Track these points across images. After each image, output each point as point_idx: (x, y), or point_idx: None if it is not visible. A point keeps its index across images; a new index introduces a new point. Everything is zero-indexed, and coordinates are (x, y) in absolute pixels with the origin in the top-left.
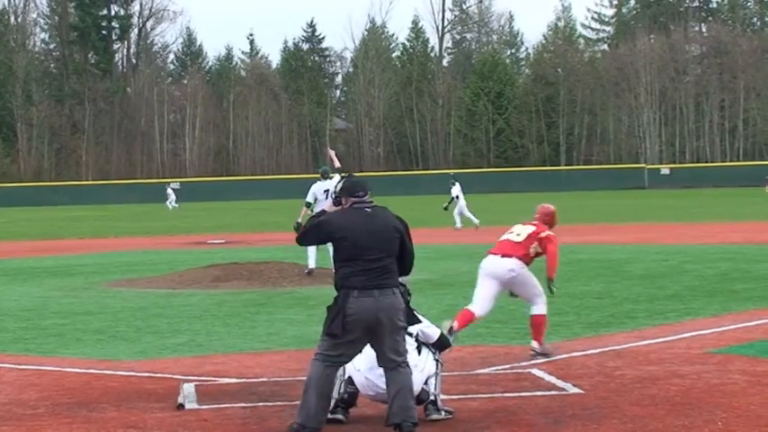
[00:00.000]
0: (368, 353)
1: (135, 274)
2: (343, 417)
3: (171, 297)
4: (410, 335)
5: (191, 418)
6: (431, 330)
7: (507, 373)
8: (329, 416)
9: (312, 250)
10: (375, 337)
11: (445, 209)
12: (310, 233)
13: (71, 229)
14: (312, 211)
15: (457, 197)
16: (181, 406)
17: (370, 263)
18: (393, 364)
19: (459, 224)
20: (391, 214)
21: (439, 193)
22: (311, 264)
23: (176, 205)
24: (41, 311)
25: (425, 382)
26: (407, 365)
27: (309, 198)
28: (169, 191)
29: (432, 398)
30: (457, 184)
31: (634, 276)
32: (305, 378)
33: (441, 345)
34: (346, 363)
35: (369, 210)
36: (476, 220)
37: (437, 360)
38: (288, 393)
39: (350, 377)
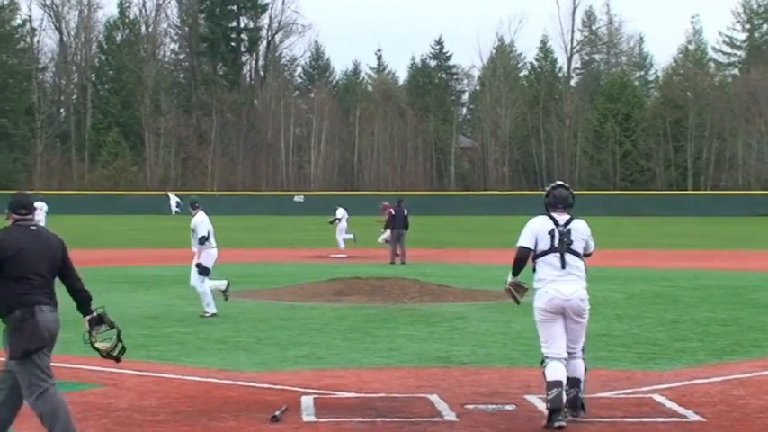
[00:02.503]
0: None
1: (257, 285)
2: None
3: (292, 309)
4: (577, 255)
5: (308, 431)
6: (592, 243)
7: (628, 397)
8: (555, 425)
9: (206, 287)
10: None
11: (330, 223)
12: None
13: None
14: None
15: (339, 219)
16: (274, 418)
17: (40, 280)
18: (49, 384)
19: (347, 241)
20: (53, 234)
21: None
22: (212, 308)
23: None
24: (164, 319)
25: (581, 391)
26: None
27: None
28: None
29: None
30: (341, 207)
31: (761, 304)
32: (422, 395)
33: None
34: None
35: (34, 228)
36: (343, 244)
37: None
38: (406, 410)
39: (551, 382)
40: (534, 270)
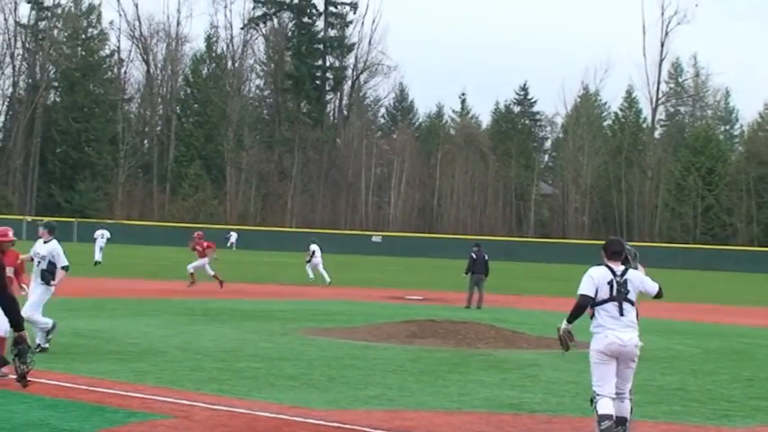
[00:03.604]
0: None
1: (331, 323)
2: None
3: (366, 349)
4: (632, 303)
5: None
6: (651, 285)
7: None
8: None
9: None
10: None
11: (308, 261)
12: None
13: (272, 274)
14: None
15: (314, 253)
16: None
17: None
18: None
19: (311, 275)
20: None
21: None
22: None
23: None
24: (237, 353)
25: (627, 429)
26: None
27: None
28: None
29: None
30: (315, 243)
31: None
32: None
33: (659, 295)
34: None
35: None
36: (327, 279)
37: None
38: None
39: (603, 415)
40: (592, 317)
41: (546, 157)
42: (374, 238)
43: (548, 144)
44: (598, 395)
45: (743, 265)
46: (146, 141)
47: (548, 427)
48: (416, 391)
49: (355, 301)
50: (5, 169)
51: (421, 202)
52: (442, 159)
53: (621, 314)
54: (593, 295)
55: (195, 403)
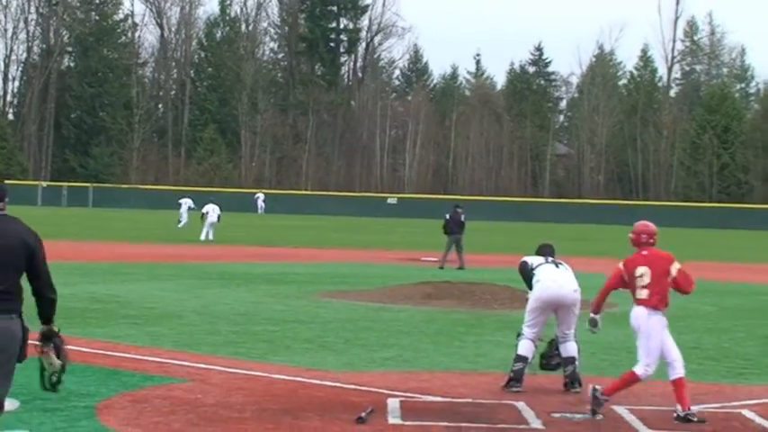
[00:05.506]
0: None
1: (347, 285)
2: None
3: (381, 311)
4: (564, 265)
5: None
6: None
7: (717, 411)
8: (513, 390)
9: None
10: None
11: (201, 218)
12: None
13: (287, 237)
14: None
15: (207, 213)
16: (360, 419)
17: None
18: None
19: (202, 237)
20: (23, 227)
21: (657, 224)
22: None
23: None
24: (253, 317)
25: (577, 367)
26: None
27: None
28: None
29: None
30: (211, 203)
31: None
32: (508, 402)
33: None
34: None
35: None
36: (210, 237)
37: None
38: (491, 416)
39: (519, 355)
40: (532, 278)
41: (561, 117)
42: (389, 200)
43: (563, 104)
44: (523, 335)
45: (759, 223)
46: (160, 106)
47: (563, 387)
48: (432, 352)
49: (371, 263)
50: (20, 135)
51: (436, 163)
52: (456, 121)
53: (557, 267)
54: (530, 262)
55: (211, 367)
